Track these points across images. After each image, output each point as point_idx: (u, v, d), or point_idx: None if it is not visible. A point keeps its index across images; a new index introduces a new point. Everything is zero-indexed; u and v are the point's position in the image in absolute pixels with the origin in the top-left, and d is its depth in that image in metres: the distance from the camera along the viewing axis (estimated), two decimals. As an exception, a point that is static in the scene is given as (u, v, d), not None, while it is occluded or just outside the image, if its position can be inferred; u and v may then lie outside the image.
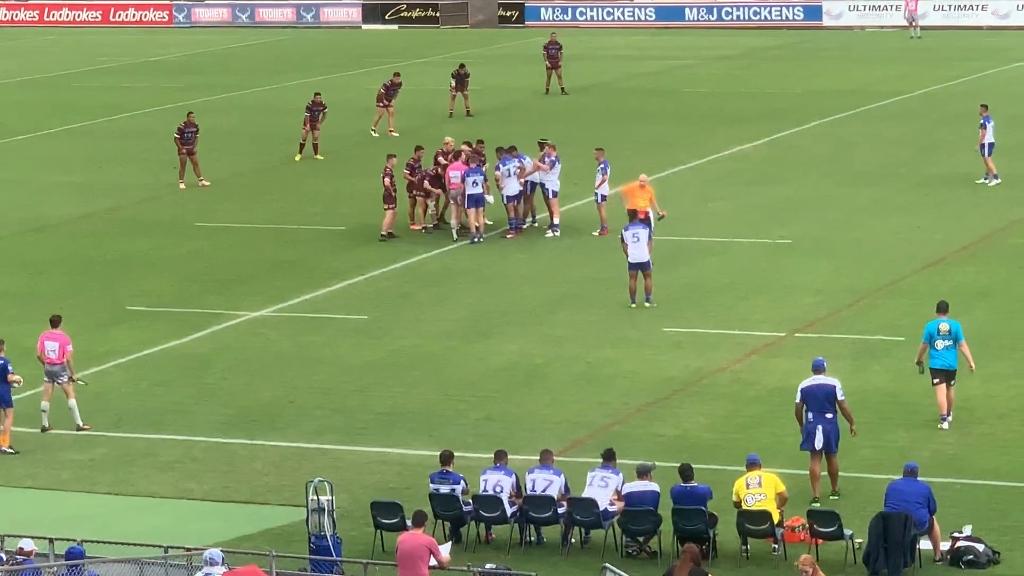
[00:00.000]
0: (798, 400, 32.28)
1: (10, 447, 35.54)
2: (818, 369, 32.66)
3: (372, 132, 67.00)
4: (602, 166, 50.99)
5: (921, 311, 42.15)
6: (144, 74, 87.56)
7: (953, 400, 34.40)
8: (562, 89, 76.57)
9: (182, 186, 58.87)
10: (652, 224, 46.16)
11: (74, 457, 35.18)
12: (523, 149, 52.19)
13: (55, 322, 37.47)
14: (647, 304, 43.75)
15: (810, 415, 31.99)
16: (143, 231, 53.87)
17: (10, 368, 35.78)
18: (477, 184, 50.38)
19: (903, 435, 34.42)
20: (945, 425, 34.26)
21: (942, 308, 34.89)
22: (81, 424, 36.45)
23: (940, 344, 33.90)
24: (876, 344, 39.99)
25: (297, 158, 63.39)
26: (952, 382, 34.18)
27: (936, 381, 34.15)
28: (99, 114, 74.99)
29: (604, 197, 50.92)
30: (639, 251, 43.78)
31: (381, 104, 67.75)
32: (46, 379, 36.68)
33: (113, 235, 53.57)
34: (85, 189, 59.66)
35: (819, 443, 31.76)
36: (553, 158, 51.46)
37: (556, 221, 51.31)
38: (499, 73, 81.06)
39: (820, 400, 31.99)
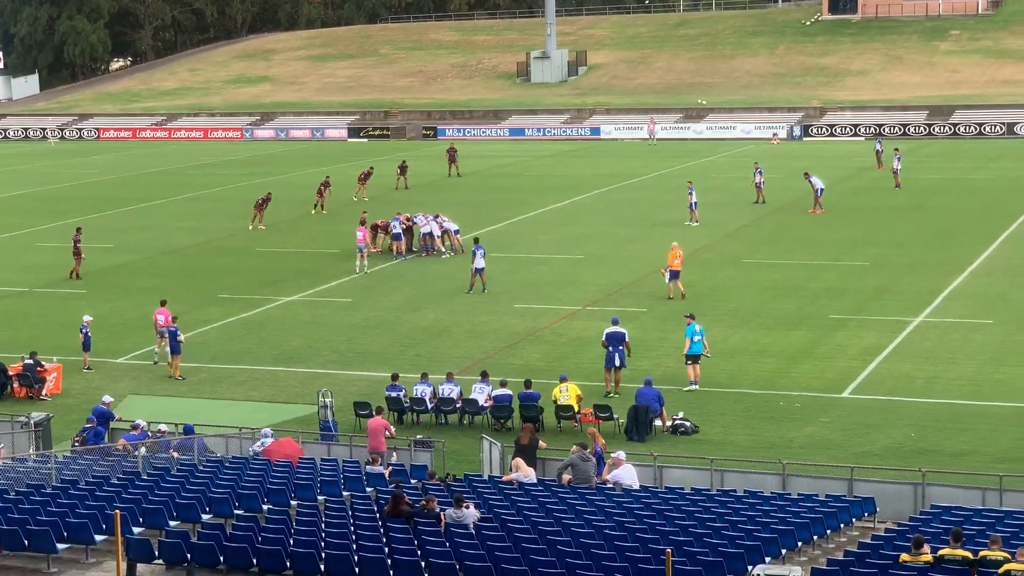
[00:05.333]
0: (604, 340, 32.40)
1: (181, 376, 34.93)
2: (615, 323, 33.03)
3: (354, 198, 66.49)
4: (438, 220, 50.81)
5: (654, 295, 42.57)
6: (226, 167, 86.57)
7: (699, 374, 32.59)
8: (458, 174, 76.11)
9: (250, 228, 58.34)
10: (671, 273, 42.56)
11: (189, 379, 34.91)
12: (430, 210, 51.80)
13: (163, 303, 37.13)
14: (483, 291, 43.43)
15: (609, 348, 32.17)
16: (226, 254, 53.25)
17: (180, 334, 35.26)
18: (395, 227, 50.38)
19: (646, 363, 34.47)
20: (695, 387, 32.32)
21: (692, 316, 33.43)
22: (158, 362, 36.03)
23: (696, 338, 32.51)
24: (630, 313, 40.01)
25: (312, 212, 62.74)
26: (698, 362, 32.56)
27: (688, 363, 32.63)
28: (201, 188, 74.04)
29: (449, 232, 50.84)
30: (479, 263, 43.74)
31: (360, 182, 67.38)
32: (157, 336, 36.34)
33: (209, 256, 52.89)
34: (194, 231, 58.86)
35: (617, 363, 32.08)
36: (430, 217, 51.14)
37: (455, 247, 51.02)
38: (423, 165, 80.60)
39: (616, 340, 32.19)
